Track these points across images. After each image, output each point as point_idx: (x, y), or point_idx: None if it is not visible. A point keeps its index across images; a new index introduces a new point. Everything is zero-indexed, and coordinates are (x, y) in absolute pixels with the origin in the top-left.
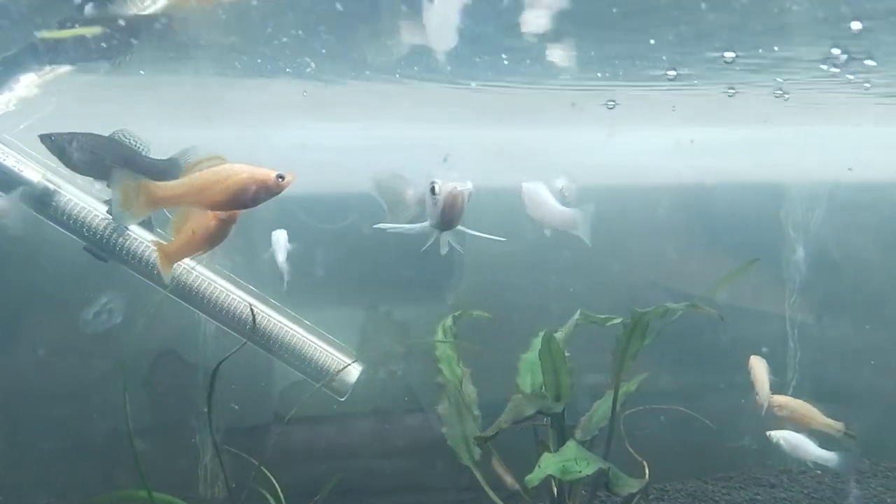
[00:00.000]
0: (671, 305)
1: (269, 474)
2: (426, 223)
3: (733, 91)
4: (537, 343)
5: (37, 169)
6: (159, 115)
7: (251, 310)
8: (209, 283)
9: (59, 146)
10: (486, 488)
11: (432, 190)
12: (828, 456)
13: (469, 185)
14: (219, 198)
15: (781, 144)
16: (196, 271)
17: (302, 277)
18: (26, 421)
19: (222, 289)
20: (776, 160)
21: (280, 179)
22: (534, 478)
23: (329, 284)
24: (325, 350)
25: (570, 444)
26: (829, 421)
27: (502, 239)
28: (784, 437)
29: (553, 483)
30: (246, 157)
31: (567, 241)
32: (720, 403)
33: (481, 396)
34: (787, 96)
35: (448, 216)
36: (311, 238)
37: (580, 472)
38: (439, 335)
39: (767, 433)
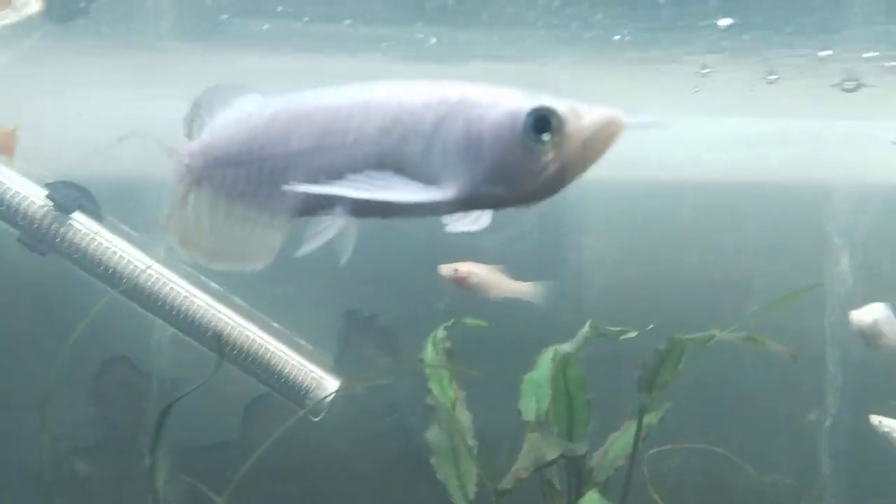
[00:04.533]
0: (720, 334)
1: None
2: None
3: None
4: (544, 362)
5: None
6: (114, 83)
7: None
8: (164, 283)
9: None
10: None
11: (539, 123)
12: None
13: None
14: None
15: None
16: (152, 270)
17: (276, 277)
18: None
19: (179, 288)
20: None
21: None
22: None
23: (306, 284)
24: (296, 361)
25: (593, 497)
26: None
27: None
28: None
29: None
30: None
31: (577, 242)
32: (748, 432)
33: (479, 419)
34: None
35: (571, 171)
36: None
37: None
38: (429, 350)
39: (871, 417)
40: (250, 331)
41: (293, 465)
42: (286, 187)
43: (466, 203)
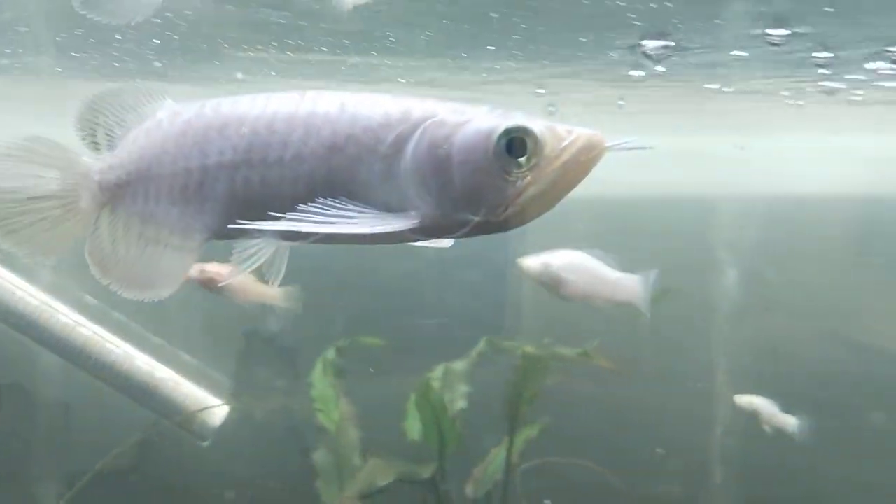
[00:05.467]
0: (563, 351)
1: None
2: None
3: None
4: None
5: None
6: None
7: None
8: (45, 309)
9: None
10: None
11: (514, 145)
12: (789, 420)
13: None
14: None
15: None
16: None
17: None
18: None
19: (61, 315)
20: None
21: None
22: None
23: (203, 301)
24: (183, 386)
25: None
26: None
27: None
28: (750, 401)
29: None
30: None
31: (473, 259)
32: (640, 442)
33: (372, 439)
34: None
35: (550, 196)
36: None
37: None
38: (318, 371)
39: (735, 397)
40: (135, 356)
41: (188, 488)
42: (273, 223)
43: (433, 231)
